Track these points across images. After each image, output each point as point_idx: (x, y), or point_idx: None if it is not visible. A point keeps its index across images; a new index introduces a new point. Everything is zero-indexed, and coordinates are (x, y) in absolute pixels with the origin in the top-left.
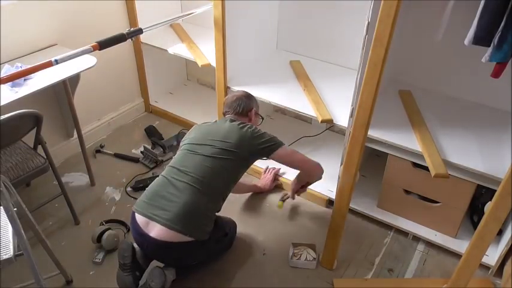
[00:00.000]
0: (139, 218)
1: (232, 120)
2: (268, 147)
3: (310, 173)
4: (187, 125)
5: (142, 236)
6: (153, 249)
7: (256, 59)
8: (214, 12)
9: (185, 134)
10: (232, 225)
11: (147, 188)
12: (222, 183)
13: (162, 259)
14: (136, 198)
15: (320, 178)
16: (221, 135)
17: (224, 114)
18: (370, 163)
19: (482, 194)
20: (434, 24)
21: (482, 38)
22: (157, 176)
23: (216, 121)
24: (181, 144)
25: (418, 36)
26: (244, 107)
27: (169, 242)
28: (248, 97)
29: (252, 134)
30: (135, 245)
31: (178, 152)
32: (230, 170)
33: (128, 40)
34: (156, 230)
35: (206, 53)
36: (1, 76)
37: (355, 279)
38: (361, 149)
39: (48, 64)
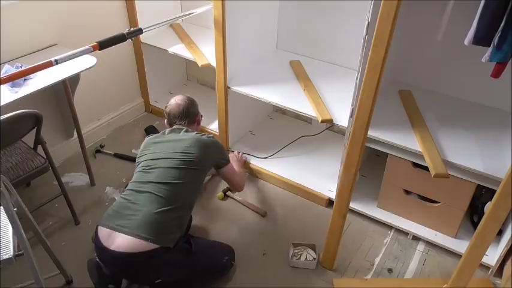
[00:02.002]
0: (101, 231)
1: (186, 131)
2: (224, 160)
3: (234, 188)
4: None
5: (103, 252)
6: (115, 265)
7: (256, 59)
8: (214, 12)
9: None
10: (223, 251)
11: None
12: (186, 192)
13: (125, 275)
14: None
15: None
16: (181, 148)
17: (170, 124)
18: (370, 163)
19: (482, 194)
20: (434, 24)
21: (482, 38)
22: None
23: (164, 133)
24: (137, 161)
25: (418, 36)
26: (192, 114)
27: (130, 253)
28: (192, 103)
29: (213, 144)
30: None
31: (136, 170)
32: (194, 180)
33: (128, 40)
34: (117, 242)
35: (206, 53)
36: (1, 76)
37: (355, 279)
38: (361, 149)
39: (48, 64)
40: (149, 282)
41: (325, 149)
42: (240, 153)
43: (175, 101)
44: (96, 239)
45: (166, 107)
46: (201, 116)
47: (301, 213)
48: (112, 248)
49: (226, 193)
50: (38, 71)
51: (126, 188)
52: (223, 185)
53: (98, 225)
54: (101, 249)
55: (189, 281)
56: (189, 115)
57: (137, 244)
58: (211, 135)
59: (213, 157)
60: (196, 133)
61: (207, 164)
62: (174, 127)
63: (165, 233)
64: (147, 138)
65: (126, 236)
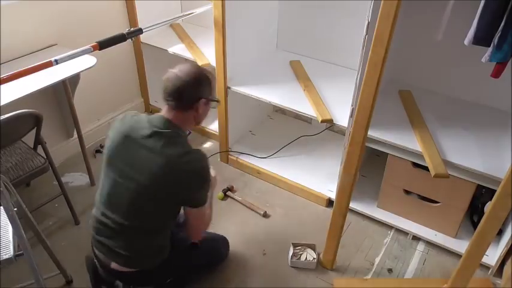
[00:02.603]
0: (96, 250)
1: (166, 137)
2: (200, 202)
3: (191, 233)
4: None
5: (103, 265)
6: (117, 278)
7: (256, 59)
8: (214, 12)
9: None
10: (221, 243)
11: (93, 212)
12: (157, 220)
13: (130, 284)
14: None
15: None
16: (147, 167)
17: (165, 99)
18: (370, 163)
19: (482, 194)
20: (434, 24)
21: (482, 38)
22: None
23: (144, 120)
24: (104, 159)
25: (418, 36)
26: (188, 97)
27: (129, 272)
28: (197, 81)
29: (193, 177)
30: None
31: (104, 171)
32: (161, 210)
33: (128, 40)
34: (114, 265)
35: (206, 53)
36: (1, 76)
37: (355, 279)
38: (361, 149)
39: (48, 64)
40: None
41: (325, 149)
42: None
43: (178, 70)
44: (93, 251)
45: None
46: (211, 104)
47: (301, 213)
48: (112, 266)
49: (226, 193)
50: (38, 71)
51: (95, 208)
52: (223, 184)
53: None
54: (100, 263)
55: (191, 273)
56: (182, 97)
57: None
58: (199, 155)
59: (186, 194)
60: (178, 152)
61: (178, 200)
62: (155, 116)
63: (152, 258)
64: (118, 122)
65: (121, 266)
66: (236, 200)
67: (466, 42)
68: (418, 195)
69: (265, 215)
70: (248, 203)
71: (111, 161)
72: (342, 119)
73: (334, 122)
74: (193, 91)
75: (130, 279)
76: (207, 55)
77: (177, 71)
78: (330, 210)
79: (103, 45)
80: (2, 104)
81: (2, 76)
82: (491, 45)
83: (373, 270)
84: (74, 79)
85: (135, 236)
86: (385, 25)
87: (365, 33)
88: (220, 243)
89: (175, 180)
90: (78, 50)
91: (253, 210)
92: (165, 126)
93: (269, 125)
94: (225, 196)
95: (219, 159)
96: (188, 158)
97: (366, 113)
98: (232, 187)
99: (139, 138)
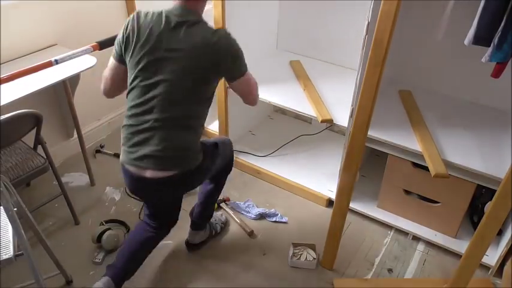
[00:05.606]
0: (130, 168)
1: (195, 22)
2: (241, 71)
3: (248, 102)
4: None
5: (138, 181)
6: (152, 189)
7: (256, 59)
8: (214, 12)
9: None
10: (226, 141)
11: (123, 131)
12: (197, 109)
13: (162, 195)
14: (136, 199)
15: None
16: (189, 48)
17: None
18: (370, 163)
19: (482, 194)
20: (434, 24)
21: (482, 38)
22: None
23: (163, 14)
24: (131, 50)
25: (418, 36)
26: None
27: (167, 176)
28: None
29: (229, 48)
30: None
31: (135, 70)
32: (204, 93)
33: None
34: (150, 173)
35: None
36: (1, 76)
37: (355, 279)
38: (361, 149)
39: (48, 64)
40: (191, 189)
41: (325, 148)
42: None
43: None
44: (126, 174)
45: None
46: None
47: (301, 213)
48: (147, 175)
49: (220, 204)
50: (38, 71)
51: (128, 113)
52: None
53: (123, 164)
54: (136, 179)
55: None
56: None
57: (170, 172)
58: (225, 31)
59: (227, 67)
60: (211, 30)
61: (218, 74)
62: (176, 3)
63: (190, 157)
64: (138, 12)
65: (156, 170)
66: (228, 213)
67: (466, 42)
68: (418, 195)
69: (251, 235)
70: (238, 219)
71: (142, 54)
72: (342, 119)
73: (334, 122)
74: None
75: (168, 183)
76: None
77: None
78: (330, 210)
79: (103, 45)
80: (2, 104)
81: (2, 76)
82: (491, 45)
83: (373, 270)
84: (74, 79)
85: (173, 130)
86: (385, 25)
87: (365, 33)
88: (227, 144)
89: (214, 52)
90: (78, 50)
91: (241, 227)
92: (184, 14)
93: (269, 125)
94: (219, 207)
95: None
96: (218, 34)
97: (366, 113)
98: (228, 198)
99: (165, 31)
